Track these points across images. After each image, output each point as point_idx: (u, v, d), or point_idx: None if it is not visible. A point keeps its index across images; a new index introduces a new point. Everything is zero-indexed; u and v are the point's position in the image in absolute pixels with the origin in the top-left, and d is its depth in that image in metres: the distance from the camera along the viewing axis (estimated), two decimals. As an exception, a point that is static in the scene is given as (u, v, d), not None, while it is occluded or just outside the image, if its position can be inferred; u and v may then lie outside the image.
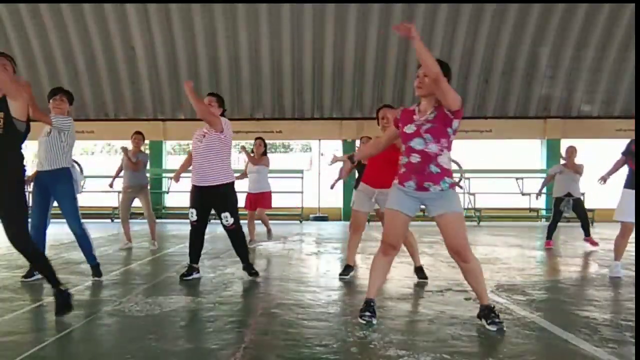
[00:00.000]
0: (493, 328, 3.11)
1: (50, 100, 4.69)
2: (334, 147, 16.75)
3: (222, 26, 13.70)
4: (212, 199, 4.78)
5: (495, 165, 15.24)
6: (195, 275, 4.86)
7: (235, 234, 4.85)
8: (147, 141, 14.40)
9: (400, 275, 5.30)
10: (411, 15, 13.47)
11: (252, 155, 7.61)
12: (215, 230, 11.06)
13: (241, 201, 6.60)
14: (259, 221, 7.79)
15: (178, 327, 3.20)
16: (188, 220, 4.98)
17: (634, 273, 5.34)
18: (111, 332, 3.17)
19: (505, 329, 3.12)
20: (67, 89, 5.00)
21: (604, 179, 6.04)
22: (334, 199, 15.52)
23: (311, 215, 14.89)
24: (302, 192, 14.53)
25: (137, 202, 7.31)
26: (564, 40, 13.80)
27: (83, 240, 4.67)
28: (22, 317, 3.43)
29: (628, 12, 13.26)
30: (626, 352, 2.74)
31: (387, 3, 13.24)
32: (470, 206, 14.29)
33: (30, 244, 3.31)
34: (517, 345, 2.86)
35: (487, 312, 3.19)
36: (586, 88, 14.58)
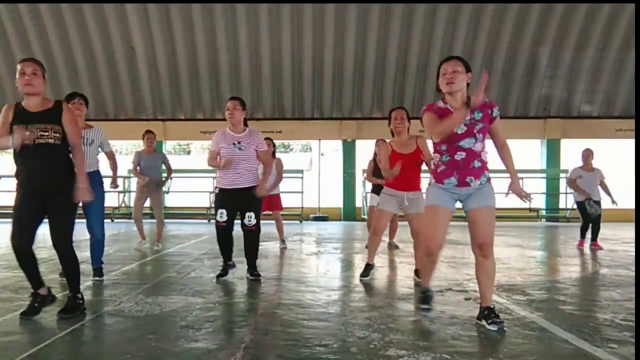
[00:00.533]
0: (494, 328, 3.10)
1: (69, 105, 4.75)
2: (334, 147, 16.77)
3: (222, 26, 13.70)
4: (242, 200, 4.77)
5: (495, 165, 15.21)
6: (231, 271, 4.93)
7: (253, 235, 4.85)
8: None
9: (401, 275, 5.30)
10: (411, 15, 13.48)
11: None
12: (214, 230, 11.07)
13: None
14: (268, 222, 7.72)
15: (178, 327, 3.20)
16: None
17: (634, 273, 5.34)
18: (111, 332, 3.17)
19: (505, 328, 3.12)
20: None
21: None
22: (334, 199, 15.53)
23: (311, 215, 14.90)
24: (302, 192, 14.53)
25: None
26: (564, 40, 13.80)
27: (99, 244, 4.75)
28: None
29: (628, 12, 13.26)
30: (626, 352, 2.73)
31: (387, 3, 13.24)
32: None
33: (72, 248, 3.48)
34: (517, 345, 2.86)
35: (488, 313, 3.19)
36: (586, 88, 14.58)
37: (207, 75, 14.48)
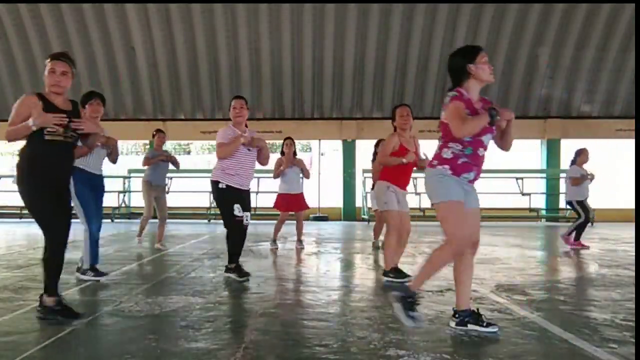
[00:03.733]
0: (494, 329, 3.01)
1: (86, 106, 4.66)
2: (334, 147, 16.77)
3: (222, 26, 13.70)
4: (246, 200, 4.85)
5: (495, 165, 15.23)
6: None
7: (246, 233, 4.90)
8: (146, 141, 14.42)
9: (400, 275, 5.29)
10: (411, 16, 13.48)
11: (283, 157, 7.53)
12: (215, 230, 11.08)
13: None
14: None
15: (178, 327, 3.20)
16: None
17: (634, 273, 5.34)
18: (111, 332, 3.16)
19: (505, 328, 3.12)
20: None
21: None
22: (334, 199, 15.53)
23: (311, 215, 14.89)
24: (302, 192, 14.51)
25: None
26: (564, 40, 13.80)
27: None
28: (22, 317, 3.42)
29: (628, 12, 13.26)
30: (626, 352, 2.73)
31: (387, 3, 13.24)
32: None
33: None
34: (517, 345, 2.86)
35: (477, 317, 3.07)
36: (586, 88, 14.58)
37: (207, 75, 14.47)
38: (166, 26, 13.77)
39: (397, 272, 4.72)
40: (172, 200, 15.58)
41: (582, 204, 7.80)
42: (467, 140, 2.97)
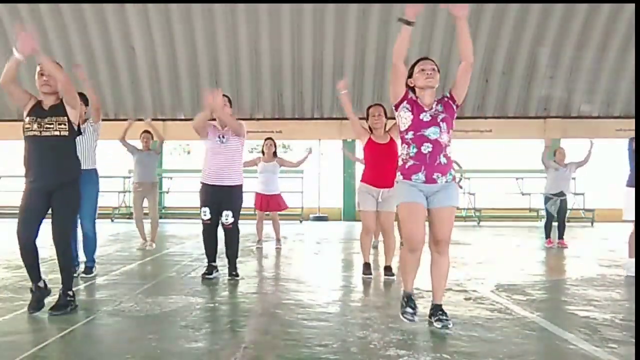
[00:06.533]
0: (438, 325, 3.14)
1: None
2: (334, 147, 16.75)
3: (222, 26, 13.70)
4: (223, 197, 4.77)
5: (495, 165, 15.25)
6: (215, 274, 4.88)
7: (231, 234, 4.84)
8: (147, 141, 14.39)
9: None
10: (411, 15, 13.47)
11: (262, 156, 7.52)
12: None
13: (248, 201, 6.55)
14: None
15: (178, 327, 3.20)
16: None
17: (633, 273, 5.34)
18: (111, 332, 3.17)
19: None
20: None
21: None
22: (334, 199, 15.53)
23: (311, 215, 14.89)
24: (302, 192, 14.53)
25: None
26: (564, 40, 13.79)
27: (90, 243, 4.85)
28: (22, 317, 3.42)
29: (628, 12, 13.25)
30: (626, 352, 2.74)
31: (387, 3, 13.23)
32: (470, 206, 14.28)
33: (70, 245, 3.65)
34: (517, 345, 2.86)
35: (435, 310, 3.23)
36: (586, 88, 14.57)
37: (207, 75, 14.46)
38: (166, 26, 13.75)
39: (387, 270, 4.92)
40: (173, 200, 15.72)
41: (547, 199, 7.87)
42: (410, 137, 3.18)
